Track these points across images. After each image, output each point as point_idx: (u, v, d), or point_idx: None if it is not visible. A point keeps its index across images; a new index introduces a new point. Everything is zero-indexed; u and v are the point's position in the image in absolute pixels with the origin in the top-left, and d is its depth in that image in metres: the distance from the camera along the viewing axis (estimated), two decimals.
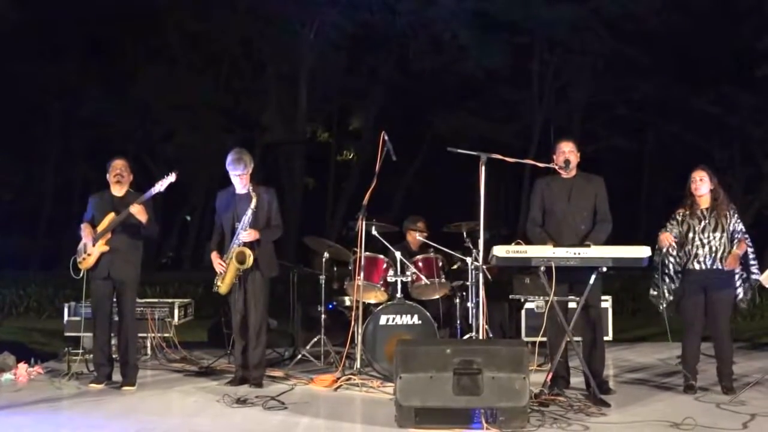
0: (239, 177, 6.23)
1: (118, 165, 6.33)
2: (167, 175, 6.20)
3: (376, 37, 18.92)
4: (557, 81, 20.09)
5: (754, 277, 5.95)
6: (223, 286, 6.25)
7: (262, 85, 20.23)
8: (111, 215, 6.20)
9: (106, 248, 6.19)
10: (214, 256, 6.29)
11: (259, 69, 20.25)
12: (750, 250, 5.94)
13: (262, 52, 19.92)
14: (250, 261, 6.12)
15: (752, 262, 5.95)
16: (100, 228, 6.22)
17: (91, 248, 6.21)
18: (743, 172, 18.94)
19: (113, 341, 6.61)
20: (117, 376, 6.37)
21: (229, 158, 6.25)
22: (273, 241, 6.38)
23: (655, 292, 6.11)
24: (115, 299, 6.39)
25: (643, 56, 17.73)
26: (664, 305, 6.07)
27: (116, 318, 6.47)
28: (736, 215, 5.96)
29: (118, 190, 6.32)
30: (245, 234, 6.14)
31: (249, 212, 6.15)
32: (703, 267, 5.87)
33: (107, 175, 6.35)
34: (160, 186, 6.18)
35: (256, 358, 6.28)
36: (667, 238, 5.92)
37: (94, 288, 6.31)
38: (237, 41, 19.52)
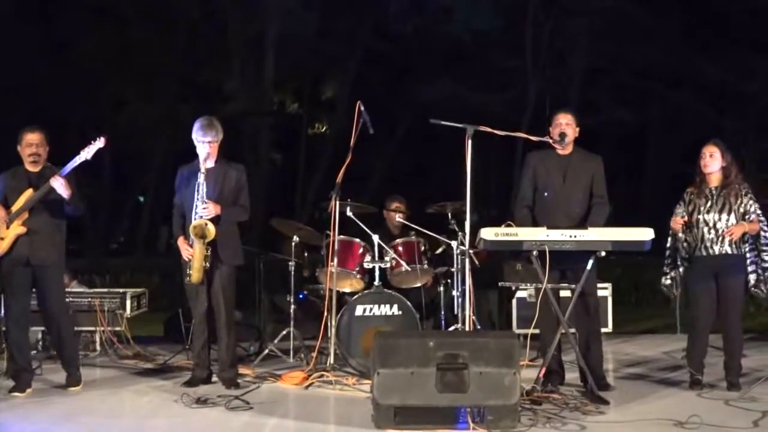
0: (209, 144, 6.14)
1: (33, 140, 6.08)
2: (93, 140, 6.02)
3: None
4: (553, 45, 20.12)
5: (765, 265, 5.96)
6: (194, 273, 6.07)
7: (224, 50, 20.09)
8: (28, 192, 6.02)
9: (22, 229, 5.98)
10: (181, 242, 6.20)
11: (219, 32, 20.09)
12: (764, 234, 5.97)
13: (223, 13, 19.75)
14: (211, 232, 6.00)
15: (764, 248, 5.97)
16: (15, 207, 6.02)
17: (5, 231, 6.01)
18: (757, 147, 19.08)
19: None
20: (60, 376, 6.35)
21: (198, 124, 6.19)
22: (237, 226, 6.35)
23: (669, 282, 6.18)
24: (35, 290, 6.18)
25: (647, 17, 17.76)
26: (676, 294, 6.15)
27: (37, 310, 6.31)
28: (749, 195, 5.97)
29: (34, 167, 6.12)
30: (203, 208, 6.05)
31: (201, 178, 6.04)
32: (712, 252, 5.91)
33: (18, 148, 6.12)
34: (87, 153, 6.00)
35: (229, 357, 6.27)
36: (677, 222, 5.97)
37: (9, 277, 6.07)
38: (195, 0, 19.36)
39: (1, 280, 6.14)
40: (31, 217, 6.04)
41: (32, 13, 18.86)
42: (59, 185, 5.92)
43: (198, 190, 6.08)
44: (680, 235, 6.02)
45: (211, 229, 6.02)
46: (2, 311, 6.59)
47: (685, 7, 17.53)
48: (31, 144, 6.09)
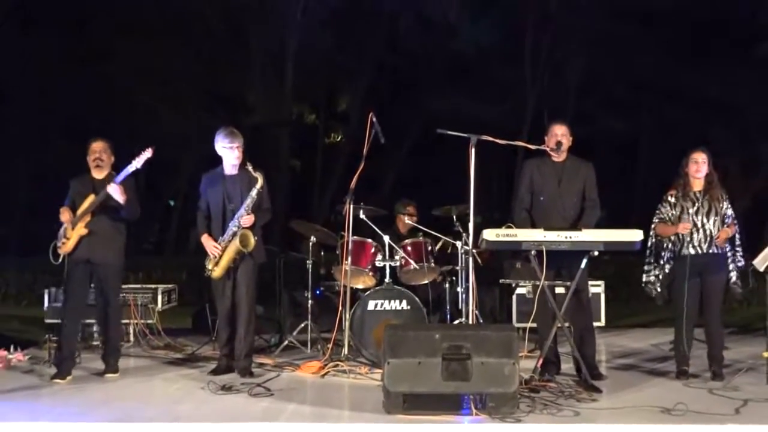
0: (237, 149, 6.21)
1: (97, 148, 6.28)
2: (143, 150, 6.13)
3: (364, 13, 18.88)
4: (551, 59, 20.10)
5: (740, 264, 6.07)
6: (218, 269, 6.18)
7: (246, 64, 20.15)
8: (91, 197, 6.17)
9: (84, 231, 6.14)
10: (206, 239, 6.26)
11: (242, 46, 20.14)
12: (737, 236, 6.06)
13: (245, 29, 19.81)
14: (252, 244, 6.14)
15: (738, 249, 6.08)
16: (79, 211, 6.18)
17: (71, 232, 6.17)
18: (741, 154, 18.99)
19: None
20: (98, 364, 6.43)
21: (222, 133, 6.27)
22: (261, 226, 6.40)
23: (652, 279, 6.20)
24: (93, 285, 6.37)
25: (641, 33, 17.73)
26: (658, 291, 6.16)
27: (93, 304, 6.48)
28: (727, 200, 6.05)
29: (98, 173, 6.29)
30: (247, 218, 6.13)
31: (254, 193, 6.14)
32: (699, 251, 5.94)
33: (87, 158, 6.32)
34: (137, 163, 6.11)
35: (246, 347, 6.29)
36: (686, 227, 5.94)
37: (71, 273, 6.21)
38: (219, 16, 19.37)
39: (65, 277, 6.26)
40: (94, 219, 6.19)
41: (63, 24, 18.81)
42: (114, 190, 6.07)
43: (232, 201, 6.17)
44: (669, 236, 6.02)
45: (253, 243, 6.12)
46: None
47: (676, 24, 17.47)
48: (95, 151, 6.29)
